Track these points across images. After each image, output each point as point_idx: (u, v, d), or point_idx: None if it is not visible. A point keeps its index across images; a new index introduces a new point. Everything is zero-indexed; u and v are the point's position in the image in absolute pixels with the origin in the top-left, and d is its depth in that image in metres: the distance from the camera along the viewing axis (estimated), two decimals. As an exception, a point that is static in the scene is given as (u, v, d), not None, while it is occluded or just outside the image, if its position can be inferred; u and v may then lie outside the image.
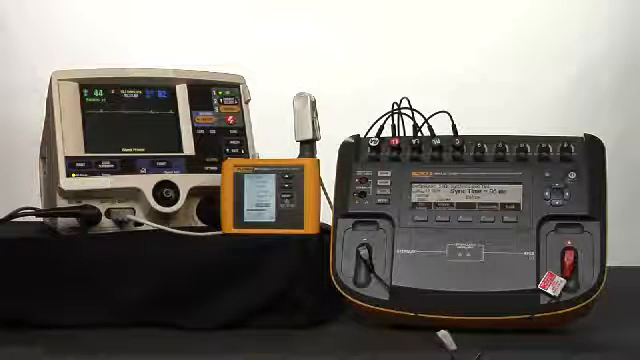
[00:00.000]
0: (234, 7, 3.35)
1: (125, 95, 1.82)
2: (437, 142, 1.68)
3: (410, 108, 1.75)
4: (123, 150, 1.79)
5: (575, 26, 3.36)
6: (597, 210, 1.60)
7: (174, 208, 1.77)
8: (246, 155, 1.86)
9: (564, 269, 1.57)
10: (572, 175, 1.62)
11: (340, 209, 1.67)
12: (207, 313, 1.65)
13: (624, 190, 2.87)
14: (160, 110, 1.84)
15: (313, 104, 1.76)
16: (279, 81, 2.67)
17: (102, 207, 1.76)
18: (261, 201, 1.71)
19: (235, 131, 1.86)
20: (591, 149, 1.65)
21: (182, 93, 1.84)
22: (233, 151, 1.85)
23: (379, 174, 1.68)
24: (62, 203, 1.76)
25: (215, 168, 1.80)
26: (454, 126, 1.73)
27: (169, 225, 1.76)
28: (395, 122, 1.75)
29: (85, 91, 1.80)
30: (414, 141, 1.69)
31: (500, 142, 1.67)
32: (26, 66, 3.15)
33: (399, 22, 3.33)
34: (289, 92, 1.77)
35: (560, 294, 1.56)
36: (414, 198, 1.65)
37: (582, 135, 1.67)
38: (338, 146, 1.71)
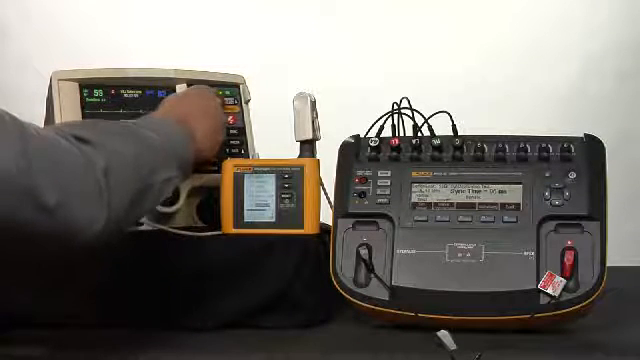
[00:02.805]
0: (234, 7, 3.36)
1: (125, 95, 1.82)
2: (437, 142, 1.68)
3: (410, 108, 1.75)
4: (123, 150, 1.79)
5: (575, 26, 3.37)
6: (597, 210, 1.60)
7: (174, 208, 1.77)
8: (246, 155, 1.86)
9: (564, 269, 1.57)
10: (572, 175, 1.62)
11: (340, 209, 1.67)
12: (207, 313, 1.65)
13: (624, 190, 2.88)
14: (160, 110, 1.84)
15: (313, 104, 1.76)
16: (279, 81, 2.67)
17: (102, 207, 1.76)
18: (261, 201, 1.71)
19: (235, 131, 1.86)
20: (591, 149, 1.65)
21: (182, 93, 1.84)
22: (233, 151, 1.85)
23: (379, 174, 1.67)
24: (62, 203, 1.76)
25: (215, 168, 1.80)
26: (454, 126, 1.73)
27: (169, 225, 1.76)
28: (395, 122, 1.75)
29: (85, 91, 1.80)
30: (414, 141, 1.69)
31: (500, 142, 1.67)
32: (26, 66, 3.15)
33: (399, 22, 3.34)
34: (289, 92, 1.77)
35: (560, 294, 1.56)
36: (414, 198, 1.65)
37: (582, 135, 1.66)
38: (338, 146, 1.71)
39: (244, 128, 1.88)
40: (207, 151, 1.65)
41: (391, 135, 1.74)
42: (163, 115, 1.61)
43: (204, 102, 1.68)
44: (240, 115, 1.88)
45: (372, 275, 1.62)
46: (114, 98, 1.81)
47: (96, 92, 1.81)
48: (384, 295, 1.61)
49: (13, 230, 1.26)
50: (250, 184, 1.71)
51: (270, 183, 1.71)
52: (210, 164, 1.74)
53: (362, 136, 1.73)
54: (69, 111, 1.77)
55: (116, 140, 1.41)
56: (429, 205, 1.65)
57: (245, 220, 1.71)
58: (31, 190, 1.25)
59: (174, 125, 1.56)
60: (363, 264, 1.63)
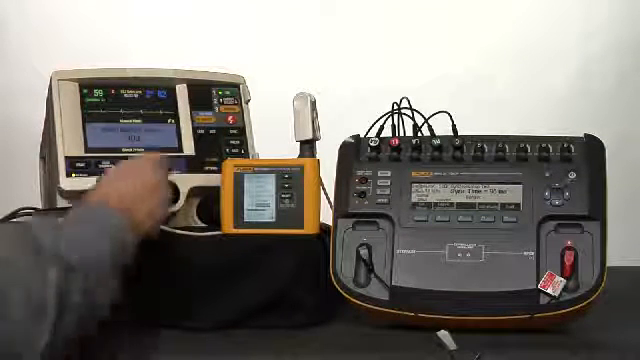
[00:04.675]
0: (234, 7, 3.35)
1: (125, 95, 1.82)
2: (437, 142, 1.68)
3: (410, 108, 1.75)
4: (123, 150, 1.79)
5: (575, 26, 3.36)
6: (597, 210, 1.60)
7: (174, 208, 1.77)
8: (246, 155, 1.86)
9: (564, 269, 1.57)
10: (572, 175, 1.62)
11: (340, 209, 1.67)
12: (207, 313, 1.65)
13: (624, 190, 2.87)
14: (160, 110, 1.84)
15: (313, 104, 1.76)
16: (279, 81, 2.67)
17: (102, 207, 1.76)
18: (261, 201, 1.71)
19: (235, 131, 1.86)
20: (591, 149, 1.65)
21: (182, 93, 1.84)
22: (233, 151, 1.85)
23: (379, 174, 1.67)
24: (62, 203, 1.76)
25: (215, 168, 1.80)
26: (454, 126, 1.73)
27: (169, 225, 1.76)
28: (395, 122, 1.75)
29: (85, 91, 1.80)
30: (414, 141, 1.69)
31: (500, 142, 1.67)
32: (26, 66, 3.15)
33: (399, 22, 3.34)
34: (289, 92, 1.77)
35: (560, 294, 1.56)
36: (414, 198, 1.65)
37: (582, 135, 1.67)
38: (338, 146, 1.71)
39: (244, 128, 1.88)
40: (146, 231, 1.54)
41: (391, 135, 1.74)
42: (106, 203, 1.48)
43: (146, 177, 1.56)
44: (240, 115, 1.88)
45: (372, 275, 1.62)
46: (114, 98, 1.81)
47: (96, 92, 1.81)
48: (384, 295, 1.61)
49: None
50: (250, 184, 1.71)
51: (270, 183, 1.71)
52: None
53: (362, 136, 1.73)
54: (69, 111, 1.78)
55: (68, 253, 1.33)
56: (429, 205, 1.65)
57: (245, 220, 1.71)
58: None
59: (117, 217, 1.44)
60: (363, 264, 1.63)
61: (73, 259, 1.32)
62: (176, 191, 1.77)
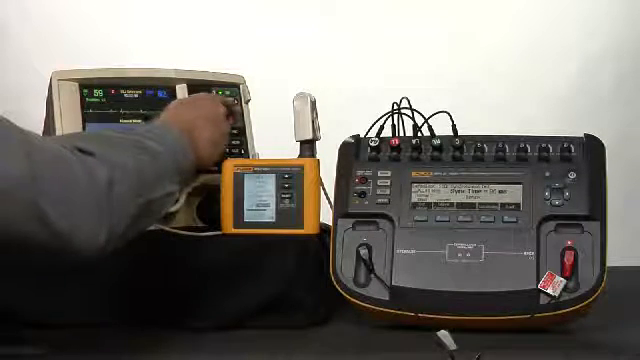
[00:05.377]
0: (234, 7, 3.35)
1: (125, 95, 1.82)
2: (437, 142, 1.68)
3: (410, 108, 1.75)
4: (123, 150, 1.79)
5: (575, 25, 3.37)
6: (597, 210, 1.60)
7: (174, 208, 1.77)
8: (246, 155, 1.86)
9: (564, 269, 1.57)
10: (572, 175, 1.62)
11: (340, 209, 1.67)
12: (207, 313, 1.65)
13: (624, 190, 2.88)
14: (160, 110, 1.84)
15: (313, 104, 1.76)
16: (279, 81, 2.67)
17: (102, 207, 1.76)
18: (261, 201, 1.71)
19: (235, 131, 1.86)
20: (591, 149, 1.65)
21: (182, 93, 1.84)
22: (233, 151, 1.85)
23: (379, 174, 1.67)
24: (62, 203, 1.76)
25: (215, 168, 1.80)
26: (454, 126, 1.73)
27: (169, 225, 1.76)
28: (395, 122, 1.75)
29: (85, 91, 1.80)
30: (414, 141, 1.69)
31: (500, 142, 1.67)
32: (26, 66, 3.15)
33: (399, 22, 3.34)
34: (289, 92, 1.77)
35: (560, 294, 1.56)
36: (414, 198, 1.65)
37: (582, 135, 1.67)
38: (338, 146, 1.71)
39: (244, 128, 1.88)
40: (207, 160, 1.63)
41: (391, 135, 1.74)
42: (167, 122, 1.58)
43: (208, 110, 1.65)
44: (240, 115, 1.88)
45: (372, 275, 1.62)
46: (114, 98, 1.81)
47: (96, 92, 1.81)
48: (384, 295, 1.61)
49: (13, 240, 1.25)
50: (250, 184, 1.71)
51: (270, 183, 1.71)
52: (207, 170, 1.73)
53: (362, 136, 1.73)
54: (69, 111, 1.77)
55: (120, 153, 1.38)
56: (429, 205, 1.65)
57: (245, 220, 1.71)
58: (33, 203, 1.24)
59: (177, 135, 1.53)
60: (363, 264, 1.63)
61: (130, 163, 1.38)
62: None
